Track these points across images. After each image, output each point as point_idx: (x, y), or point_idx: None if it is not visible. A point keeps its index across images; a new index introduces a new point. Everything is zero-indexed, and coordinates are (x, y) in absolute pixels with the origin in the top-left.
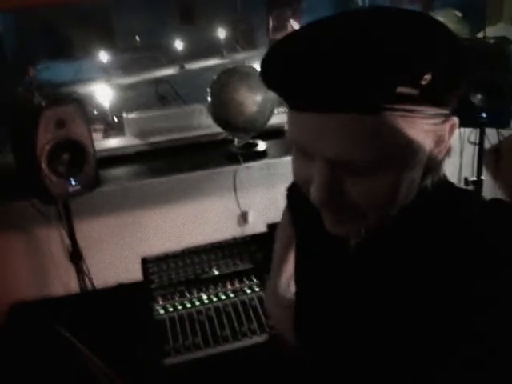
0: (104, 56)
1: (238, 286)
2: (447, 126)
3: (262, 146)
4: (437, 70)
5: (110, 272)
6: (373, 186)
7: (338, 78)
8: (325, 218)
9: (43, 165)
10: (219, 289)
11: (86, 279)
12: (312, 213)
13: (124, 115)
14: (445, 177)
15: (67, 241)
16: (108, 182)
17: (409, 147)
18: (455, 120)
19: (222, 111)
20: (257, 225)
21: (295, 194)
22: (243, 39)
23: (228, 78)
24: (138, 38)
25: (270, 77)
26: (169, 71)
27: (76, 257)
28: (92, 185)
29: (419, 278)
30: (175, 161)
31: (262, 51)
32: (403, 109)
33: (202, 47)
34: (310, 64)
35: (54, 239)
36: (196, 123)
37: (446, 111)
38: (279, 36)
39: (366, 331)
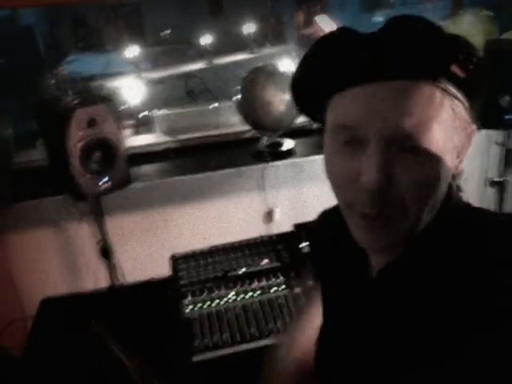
0: (133, 50)
1: (264, 284)
2: (468, 133)
3: (289, 144)
4: (479, 62)
5: (139, 268)
6: (420, 172)
7: (402, 43)
8: (359, 225)
9: (75, 163)
10: (246, 287)
11: (117, 275)
12: (334, 244)
13: (153, 113)
14: (460, 195)
15: (98, 236)
16: (138, 179)
17: (450, 129)
18: (474, 128)
19: (250, 110)
20: (283, 223)
21: (315, 230)
22: (272, 34)
23: (256, 76)
24: (166, 32)
25: (334, 50)
26: (197, 65)
27: (106, 252)
28: (123, 182)
29: (438, 307)
30: (203, 158)
31: (291, 46)
32: (451, 88)
33: (231, 42)
34: (367, 38)
35: (85, 235)
36: (224, 121)
37: (471, 115)
38: (307, 31)
39: (388, 361)
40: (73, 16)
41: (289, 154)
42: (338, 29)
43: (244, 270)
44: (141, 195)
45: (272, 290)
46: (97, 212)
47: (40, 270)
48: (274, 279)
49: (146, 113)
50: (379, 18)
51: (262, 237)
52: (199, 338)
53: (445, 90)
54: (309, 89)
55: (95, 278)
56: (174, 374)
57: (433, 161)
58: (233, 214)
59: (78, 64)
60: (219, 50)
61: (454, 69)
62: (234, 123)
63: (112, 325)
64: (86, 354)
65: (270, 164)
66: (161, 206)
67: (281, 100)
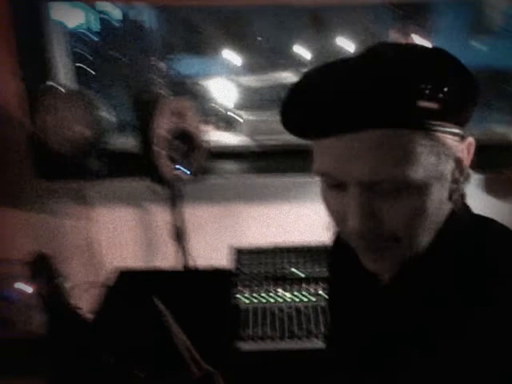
0: (231, 55)
1: (320, 291)
2: (465, 145)
3: None
4: (451, 86)
5: (206, 255)
6: (406, 207)
7: (365, 94)
8: (363, 255)
9: (159, 150)
10: (302, 290)
11: (185, 258)
12: (348, 254)
13: (239, 114)
14: (467, 206)
15: (173, 221)
16: (215, 173)
17: (433, 161)
18: (471, 140)
19: None
20: None
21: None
22: None
23: None
24: (263, 39)
25: (296, 109)
26: (289, 74)
27: (179, 236)
28: (200, 173)
29: (448, 310)
30: (280, 162)
31: None
32: (426, 123)
33: (326, 56)
34: (337, 87)
35: (162, 217)
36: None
37: (461, 131)
38: None
39: (398, 363)
40: (182, 19)
41: None
42: (305, 78)
43: (302, 274)
44: (217, 189)
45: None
46: (174, 198)
47: (118, 243)
48: None
49: (232, 113)
50: (483, 47)
51: (325, 245)
52: (247, 328)
53: (421, 131)
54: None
55: (166, 259)
56: (218, 358)
57: (418, 194)
58: (300, 218)
59: (180, 64)
60: (313, 62)
61: (424, 104)
62: None
63: (172, 303)
64: (145, 327)
65: None
66: (233, 202)
67: None
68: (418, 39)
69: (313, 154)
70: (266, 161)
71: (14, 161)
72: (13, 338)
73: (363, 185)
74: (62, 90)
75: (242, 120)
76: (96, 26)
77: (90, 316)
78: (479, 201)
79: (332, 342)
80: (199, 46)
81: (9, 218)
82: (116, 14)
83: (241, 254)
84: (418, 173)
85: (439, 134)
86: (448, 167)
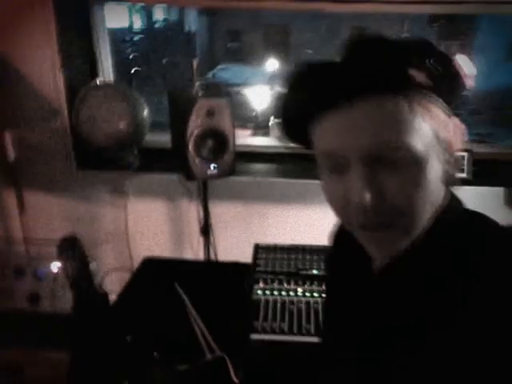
0: (274, 64)
1: None
2: (452, 125)
3: None
4: (437, 59)
5: (229, 250)
6: (406, 180)
7: (360, 63)
8: (364, 237)
9: (190, 147)
10: (314, 287)
11: (210, 251)
12: (345, 248)
13: (271, 119)
14: (459, 200)
15: (201, 215)
16: (243, 173)
17: (427, 131)
18: (458, 122)
19: None
20: None
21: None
22: None
23: None
24: (308, 51)
25: (303, 84)
26: None
27: (205, 230)
28: (228, 172)
29: (435, 299)
30: (307, 167)
31: None
32: (418, 91)
33: None
34: (334, 63)
35: (191, 211)
36: None
37: (449, 109)
38: None
39: (387, 349)
40: (228, 28)
41: None
42: (305, 65)
43: (316, 272)
44: (243, 188)
45: None
46: (203, 194)
47: (148, 233)
48: None
49: (266, 118)
50: None
51: None
52: (261, 319)
53: (414, 100)
54: (291, 118)
55: (192, 251)
56: (232, 346)
57: (416, 165)
58: (319, 221)
59: (226, 72)
60: None
61: (413, 72)
62: None
63: (193, 292)
64: (165, 311)
65: None
66: (258, 201)
67: None
68: (460, 58)
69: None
70: (291, 164)
71: (59, 151)
72: (41, 313)
73: (364, 158)
74: (105, 86)
75: (272, 123)
76: (141, 26)
77: (114, 298)
78: (500, 214)
79: (328, 336)
80: (243, 54)
81: (50, 203)
82: (162, 15)
83: (260, 249)
84: (413, 140)
85: (430, 105)
86: (440, 143)
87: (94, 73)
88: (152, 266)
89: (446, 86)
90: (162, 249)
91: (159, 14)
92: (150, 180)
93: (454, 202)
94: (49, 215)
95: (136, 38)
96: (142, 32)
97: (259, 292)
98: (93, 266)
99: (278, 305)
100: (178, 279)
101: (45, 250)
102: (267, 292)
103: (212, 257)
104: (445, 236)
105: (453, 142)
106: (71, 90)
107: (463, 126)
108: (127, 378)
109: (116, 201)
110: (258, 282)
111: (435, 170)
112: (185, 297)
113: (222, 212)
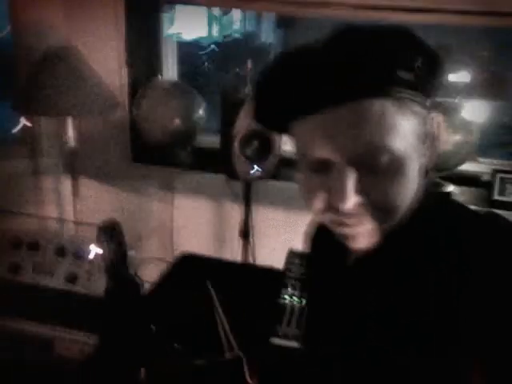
0: None
1: None
2: (432, 119)
3: (448, 188)
4: (424, 56)
5: (268, 254)
6: (386, 178)
7: (343, 67)
8: (343, 234)
9: (235, 146)
10: None
11: (248, 254)
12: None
13: None
14: (446, 193)
15: (243, 218)
16: (288, 178)
17: (408, 130)
18: (436, 116)
19: None
20: None
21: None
22: (488, 86)
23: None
24: None
25: (278, 86)
26: None
27: (245, 233)
28: (271, 175)
29: (409, 287)
30: None
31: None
32: (401, 92)
33: None
34: (315, 62)
35: (234, 213)
36: None
37: (429, 102)
38: None
39: (370, 341)
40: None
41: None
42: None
43: None
44: (288, 194)
45: None
46: (246, 196)
47: (192, 230)
48: None
49: None
50: None
51: None
52: (284, 324)
53: (400, 100)
54: (267, 113)
55: (231, 252)
56: (252, 348)
57: (397, 166)
58: None
59: None
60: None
61: (402, 74)
62: None
63: (224, 291)
64: (194, 307)
65: None
66: (301, 209)
67: (450, 139)
68: None
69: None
70: None
71: (117, 143)
72: (77, 294)
73: (349, 162)
74: (166, 83)
75: None
76: (219, 34)
77: (147, 288)
78: None
79: (311, 338)
80: None
81: (102, 191)
82: (239, 26)
83: (293, 255)
84: (397, 142)
85: (413, 103)
86: (420, 138)
87: (157, 71)
88: (188, 262)
89: (431, 83)
90: (203, 247)
91: (237, 25)
92: (198, 178)
93: (428, 191)
94: (100, 203)
95: (211, 46)
96: (216, 41)
97: (286, 297)
98: (131, 253)
99: (304, 312)
100: (212, 277)
101: (90, 234)
102: (295, 298)
103: (250, 260)
104: (418, 223)
105: (431, 134)
106: (134, 85)
107: (440, 118)
108: (145, 365)
109: (164, 195)
110: (287, 287)
111: (414, 167)
112: (214, 294)
113: (264, 216)
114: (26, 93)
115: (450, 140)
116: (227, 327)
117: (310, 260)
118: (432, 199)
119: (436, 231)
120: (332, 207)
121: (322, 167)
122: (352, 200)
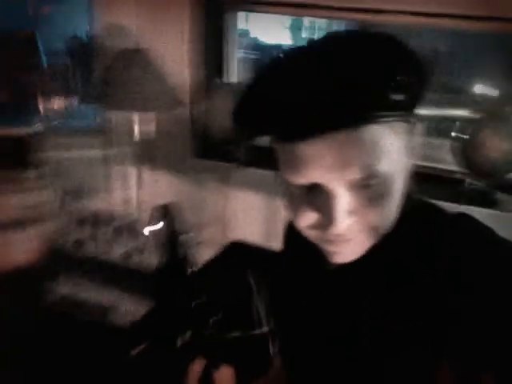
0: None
1: None
2: (415, 130)
3: (496, 195)
4: (414, 71)
5: None
6: (377, 196)
7: (340, 92)
8: (332, 251)
9: None
10: None
11: None
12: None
13: None
14: (432, 204)
15: None
16: None
17: (399, 149)
18: (417, 125)
19: (471, 152)
20: None
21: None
22: None
23: (488, 121)
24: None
25: (262, 114)
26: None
27: None
28: None
29: (389, 296)
30: None
31: None
32: (396, 116)
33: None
34: (308, 86)
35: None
36: (433, 156)
37: (412, 116)
38: None
39: (358, 344)
40: None
41: (491, 203)
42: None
43: None
44: None
45: None
46: None
47: (244, 223)
48: None
49: None
50: None
51: None
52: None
53: (391, 121)
54: (251, 126)
55: (279, 243)
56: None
57: (387, 185)
58: None
59: None
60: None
61: (396, 96)
62: (440, 159)
63: (265, 279)
64: (233, 292)
65: (465, 207)
66: None
67: (499, 147)
68: None
69: (284, 163)
70: None
71: (179, 138)
72: (132, 269)
73: (335, 185)
74: (226, 85)
75: None
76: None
77: (194, 269)
78: None
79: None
80: None
81: (163, 182)
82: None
83: None
84: (387, 164)
85: (403, 123)
86: (407, 152)
87: (220, 73)
88: (236, 250)
89: (421, 95)
90: (253, 237)
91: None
92: (254, 174)
93: (410, 197)
94: (160, 193)
95: (266, 46)
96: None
97: None
98: (184, 236)
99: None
100: (256, 265)
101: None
102: None
103: None
104: (400, 229)
105: (413, 146)
106: (197, 85)
107: (420, 127)
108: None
109: (221, 189)
110: None
111: (400, 181)
112: (252, 280)
113: None
114: (102, 90)
115: (498, 148)
116: (262, 311)
117: (285, 260)
118: (409, 205)
119: (415, 236)
120: (321, 226)
121: (311, 186)
122: (344, 223)
